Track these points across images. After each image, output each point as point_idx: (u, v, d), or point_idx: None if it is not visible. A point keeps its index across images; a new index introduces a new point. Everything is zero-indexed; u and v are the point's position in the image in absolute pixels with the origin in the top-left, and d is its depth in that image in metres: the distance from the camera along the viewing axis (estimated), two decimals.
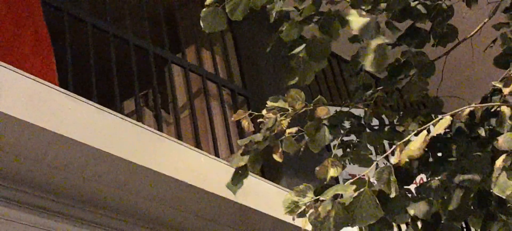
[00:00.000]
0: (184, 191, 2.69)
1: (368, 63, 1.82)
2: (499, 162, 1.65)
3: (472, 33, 2.04)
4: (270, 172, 3.55)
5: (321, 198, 1.68)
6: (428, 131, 1.72)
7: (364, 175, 1.74)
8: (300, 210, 1.71)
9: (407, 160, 1.80)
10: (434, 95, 2.22)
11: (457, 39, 2.08)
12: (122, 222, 2.74)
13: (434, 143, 2.06)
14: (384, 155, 1.94)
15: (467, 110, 1.76)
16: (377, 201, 1.65)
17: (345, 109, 2.11)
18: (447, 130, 2.10)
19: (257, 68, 4.21)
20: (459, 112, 1.81)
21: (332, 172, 1.92)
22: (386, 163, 2.02)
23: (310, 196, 1.73)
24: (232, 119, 2.22)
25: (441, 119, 1.69)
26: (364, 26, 1.85)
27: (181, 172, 2.65)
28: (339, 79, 5.06)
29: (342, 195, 1.70)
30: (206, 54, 4.19)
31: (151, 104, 4.08)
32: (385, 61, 1.81)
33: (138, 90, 3.40)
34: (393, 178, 1.72)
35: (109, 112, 2.53)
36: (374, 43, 1.80)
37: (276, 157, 2.12)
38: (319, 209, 1.64)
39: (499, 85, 1.97)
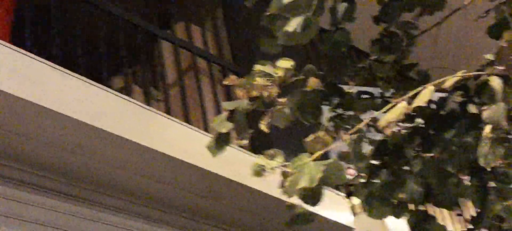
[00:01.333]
0: (172, 166, 2.65)
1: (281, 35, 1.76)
2: (486, 132, 1.62)
3: (466, 1, 1.99)
4: (260, 148, 3.51)
5: (288, 169, 1.67)
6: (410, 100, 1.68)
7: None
8: (266, 173, 1.71)
9: (385, 127, 1.76)
10: (425, 69, 2.18)
11: (450, 9, 2.04)
12: (108, 197, 2.70)
13: (426, 119, 2.03)
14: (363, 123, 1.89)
15: (451, 81, 1.72)
16: (344, 170, 1.64)
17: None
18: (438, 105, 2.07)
19: (248, 45, 4.17)
20: (442, 82, 1.76)
21: (320, 148, 1.89)
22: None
23: (279, 160, 1.71)
24: (224, 82, 2.16)
25: (423, 89, 1.66)
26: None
27: (170, 147, 2.61)
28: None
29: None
30: (196, 31, 4.14)
31: (140, 81, 4.03)
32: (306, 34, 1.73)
33: (127, 66, 3.35)
34: (357, 146, 1.70)
35: (96, 86, 2.48)
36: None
37: (263, 126, 2.07)
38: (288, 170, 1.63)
39: (491, 57, 1.94)
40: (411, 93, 1.70)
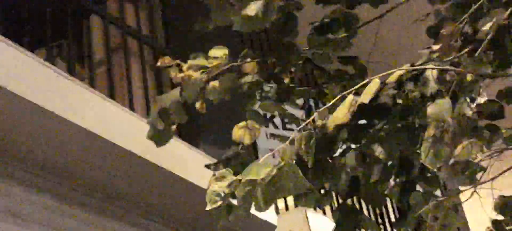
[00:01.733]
0: (92, 142, 2.49)
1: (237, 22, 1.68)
2: (429, 132, 1.58)
3: None
4: (188, 135, 3.39)
5: (240, 178, 1.56)
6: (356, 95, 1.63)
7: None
8: (223, 196, 1.57)
9: (334, 126, 1.71)
10: (365, 61, 2.14)
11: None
12: (20, 170, 2.51)
13: (359, 110, 1.99)
14: (306, 122, 1.83)
15: (397, 74, 1.68)
16: (300, 172, 1.54)
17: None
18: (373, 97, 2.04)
19: (183, 29, 4.03)
20: (387, 76, 1.72)
21: (248, 139, 1.82)
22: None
23: (229, 179, 1.58)
24: (158, 64, 2.04)
25: (368, 82, 1.60)
26: None
27: (90, 122, 2.45)
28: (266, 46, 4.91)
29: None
30: (130, 9, 3.96)
31: (66, 56, 3.81)
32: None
33: (50, 38, 3.13)
34: (310, 145, 1.62)
35: (13, 46, 2.29)
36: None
37: (198, 106, 1.98)
38: (237, 192, 1.51)
39: (426, 52, 1.92)
40: (356, 87, 1.63)
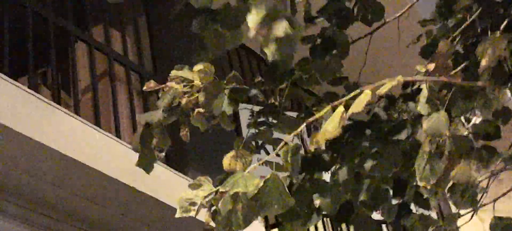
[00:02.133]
0: (74, 169, 2.41)
1: (270, 53, 1.58)
2: (424, 148, 1.51)
3: (400, 13, 1.91)
4: (176, 161, 3.29)
5: (221, 190, 1.46)
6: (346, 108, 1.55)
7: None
8: (196, 206, 1.46)
9: (324, 141, 1.63)
10: (354, 81, 2.08)
11: (383, 19, 1.95)
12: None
13: (349, 127, 1.93)
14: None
15: (388, 86, 1.59)
16: (286, 188, 1.45)
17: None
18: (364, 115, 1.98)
19: (170, 55, 3.97)
20: (379, 87, 1.64)
21: (239, 166, 1.74)
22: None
23: (208, 189, 1.48)
24: (144, 88, 1.96)
25: (359, 93, 1.52)
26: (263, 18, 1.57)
27: (74, 150, 2.37)
28: (248, 73, 4.84)
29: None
30: (116, 35, 3.89)
31: (50, 83, 3.73)
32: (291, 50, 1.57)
33: (33, 64, 3.05)
34: (296, 158, 1.54)
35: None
36: (277, 30, 1.55)
37: (183, 135, 1.90)
38: (220, 206, 1.40)
39: (422, 69, 1.87)
40: (346, 97, 1.56)
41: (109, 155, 2.60)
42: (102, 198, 2.58)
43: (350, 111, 1.47)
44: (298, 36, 1.43)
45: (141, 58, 3.92)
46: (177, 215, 1.37)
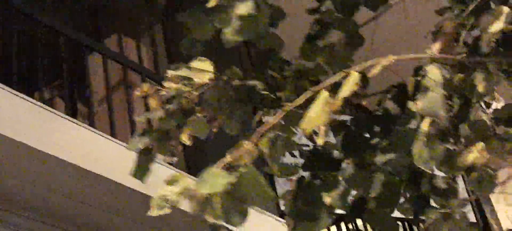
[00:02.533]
0: (87, 181, 2.39)
1: (230, 32, 1.50)
2: (424, 127, 1.40)
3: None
4: (196, 167, 3.24)
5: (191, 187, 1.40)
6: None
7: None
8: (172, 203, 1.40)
9: (311, 130, 1.53)
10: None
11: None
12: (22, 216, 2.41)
13: (358, 121, 1.84)
14: None
15: (380, 66, 1.49)
16: (263, 179, 1.37)
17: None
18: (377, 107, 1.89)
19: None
20: (369, 67, 1.54)
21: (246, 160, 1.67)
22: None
23: (183, 184, 1.41)
24: (137, 93, 1.90)
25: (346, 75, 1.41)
26: None
27: (91, 161, 2.35)
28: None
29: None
30: (130, 44, 3.87)
31: (65, 94, 3.73)
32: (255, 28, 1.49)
33: (43, 73, 3.05)
34: (276, 147, 1.46)
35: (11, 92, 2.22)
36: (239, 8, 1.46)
37: (184, 139, 1.83)
38: (194, 204, 1.35)
39: (429, 52, 1.78)
40: (330, 80, 1.46)
41: (123, 164, 2.57)
42: (114, 206, 2.55)
43: (340, 96, 1.38)
44: (264, 18, 1.36)
45: (157, 66, 3.90)
46: (152, 213, 1.32)
